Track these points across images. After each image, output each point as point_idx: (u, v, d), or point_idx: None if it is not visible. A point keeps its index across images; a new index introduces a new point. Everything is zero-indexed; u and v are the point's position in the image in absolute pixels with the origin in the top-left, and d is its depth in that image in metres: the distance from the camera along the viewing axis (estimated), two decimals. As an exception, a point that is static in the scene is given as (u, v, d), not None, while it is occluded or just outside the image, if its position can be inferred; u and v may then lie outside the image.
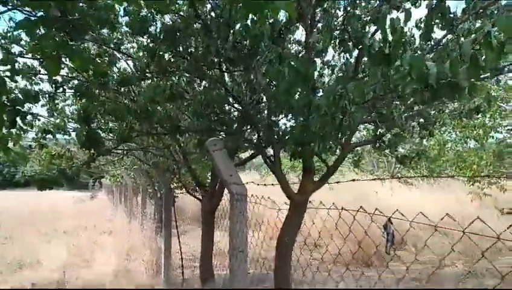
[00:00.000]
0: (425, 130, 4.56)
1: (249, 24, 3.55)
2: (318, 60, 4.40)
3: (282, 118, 4.38)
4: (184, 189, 7.45)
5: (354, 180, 3.04)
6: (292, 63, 2.57)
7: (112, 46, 5.05)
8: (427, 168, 14.52)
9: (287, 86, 2.87)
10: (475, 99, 4.66)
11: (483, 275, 6.78)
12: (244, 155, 6.53)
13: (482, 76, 3.58)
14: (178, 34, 3.52)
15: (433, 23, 3.66)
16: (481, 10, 3.58)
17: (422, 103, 3.60)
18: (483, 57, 1.81)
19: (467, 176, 10.66)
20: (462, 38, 3.44)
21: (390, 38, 2.01)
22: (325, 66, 4.75)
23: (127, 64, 5.66)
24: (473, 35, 3.05)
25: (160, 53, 3.59)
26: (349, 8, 3.70)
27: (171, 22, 4.09)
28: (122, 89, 4.89)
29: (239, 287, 2.44)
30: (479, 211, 11.40)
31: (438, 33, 3.70)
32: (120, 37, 5.29)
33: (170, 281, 6.09)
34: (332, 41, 3.76)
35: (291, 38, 5.13)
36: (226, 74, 4.61)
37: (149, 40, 3.85)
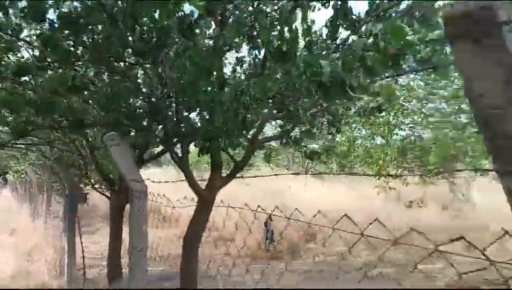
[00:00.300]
0: (333, 127, 4.72)
1: (156, 16, 3.44)
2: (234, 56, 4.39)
3: (191, 112, 4.31)
4: (91, 185, 7.13)
5: (249, 176, 3.08)
6: (193, 56, 2.52)
7: (10, 32, 4.66)
8: (339, 163, 15.17)
9: (191, 80, 2.83)
10: (378, 98, 4.91)
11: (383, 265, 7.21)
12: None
13: (382, 76, 3.77)
14: (79, 21, 3.32)
15: (338, 23, 3.78)
16: (382, 13, 3.76)
17: (326, 101, 3.71)
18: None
19: (374, 174, 11.29)
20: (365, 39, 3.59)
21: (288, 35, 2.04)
22: (238, 63, 4.74)
23: (28, 52, 5.26)
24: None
25: (59, 42, 3.37)
26: (257, 4, 3.71)
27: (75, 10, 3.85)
28: (22, 79, 4.53)
29: (137, 287, 2.37)
30: (384, 204, 12.15)
31: (344, 33, 3.84)
32: (19, 22, 4.89)
33: (73, 282, 5.80)
34: (241, 38, 3.77)
35: (207, 33, 5.05)
36: (137, 66, 4.45)
37: (46, 28, 3.60)
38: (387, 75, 3.80)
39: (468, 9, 0.65)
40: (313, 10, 4.20)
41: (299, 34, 2.66)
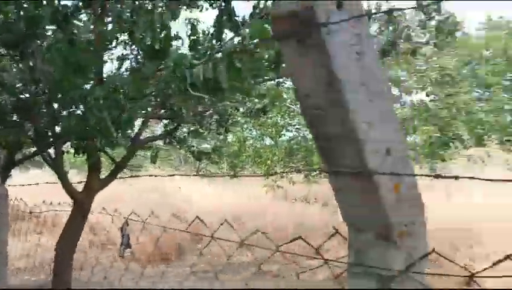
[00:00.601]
0: (221, 127, 4.75)
1: (25, 5, 3.18)
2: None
3: (64, 110, 4.05)
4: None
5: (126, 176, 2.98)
6: (64, 50, 2.36)
7: None
8: (230, 163, 15.35)
9: (63, 76, 2.66)
10: (265, 100, 5.05)
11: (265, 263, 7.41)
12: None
13: (264, 78, 3.85)
14: None
15: (223, 24, 3.79)
16: (265, 16, 3.85)
17: (210, 101, 3.72)
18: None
19: (265, 174, 11.60)
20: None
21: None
22: (119, 60, 4.56)
23: None
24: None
25: None
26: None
27: None
28: None
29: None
30: (272, 202, 12.52)
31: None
32: None
33: None
34: (123, 34, 3.63)
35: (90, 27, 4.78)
36: (6, 58, 4.06)
37: None
38: (270, 77, 3.93)
39: (295, 9, 0.67)
40: (201, 10, 4.18)
41: (187, 33, 2.62)
